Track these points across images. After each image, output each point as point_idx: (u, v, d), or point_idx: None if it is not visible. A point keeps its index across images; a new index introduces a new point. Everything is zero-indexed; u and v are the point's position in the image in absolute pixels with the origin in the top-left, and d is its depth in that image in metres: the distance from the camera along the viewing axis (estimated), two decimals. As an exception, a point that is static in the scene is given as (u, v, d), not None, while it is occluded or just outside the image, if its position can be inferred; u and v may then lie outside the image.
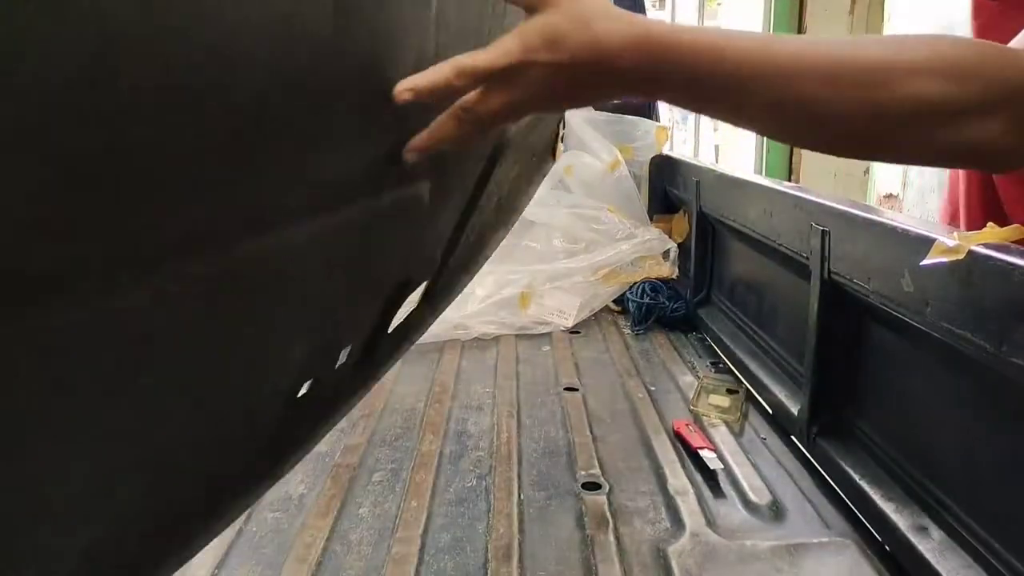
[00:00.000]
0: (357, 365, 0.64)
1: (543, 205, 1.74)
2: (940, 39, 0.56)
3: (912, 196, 2.50)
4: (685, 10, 6.02)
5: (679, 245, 1.82)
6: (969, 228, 0.96)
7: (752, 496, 0.90)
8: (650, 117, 2.11)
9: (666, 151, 2.09)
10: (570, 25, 0.50)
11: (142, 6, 0.25)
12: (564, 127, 1.65)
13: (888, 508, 0.79)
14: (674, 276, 1.72)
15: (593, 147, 1.93)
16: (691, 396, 1.21)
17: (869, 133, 0.55)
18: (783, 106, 0.53)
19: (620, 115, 2.00)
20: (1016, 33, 0.74)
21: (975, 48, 0.59)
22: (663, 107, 2.28)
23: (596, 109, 1.92)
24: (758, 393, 1.20)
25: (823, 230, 0.92)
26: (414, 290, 0.73)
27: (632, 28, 0.51)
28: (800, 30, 3.33)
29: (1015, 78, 0.53)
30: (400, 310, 0.70)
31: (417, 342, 1.53)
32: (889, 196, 2.73)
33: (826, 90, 0.52)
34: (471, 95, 0.50)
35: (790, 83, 0.52)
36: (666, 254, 1.77)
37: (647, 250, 1.74)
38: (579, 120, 1.95)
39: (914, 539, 0.74)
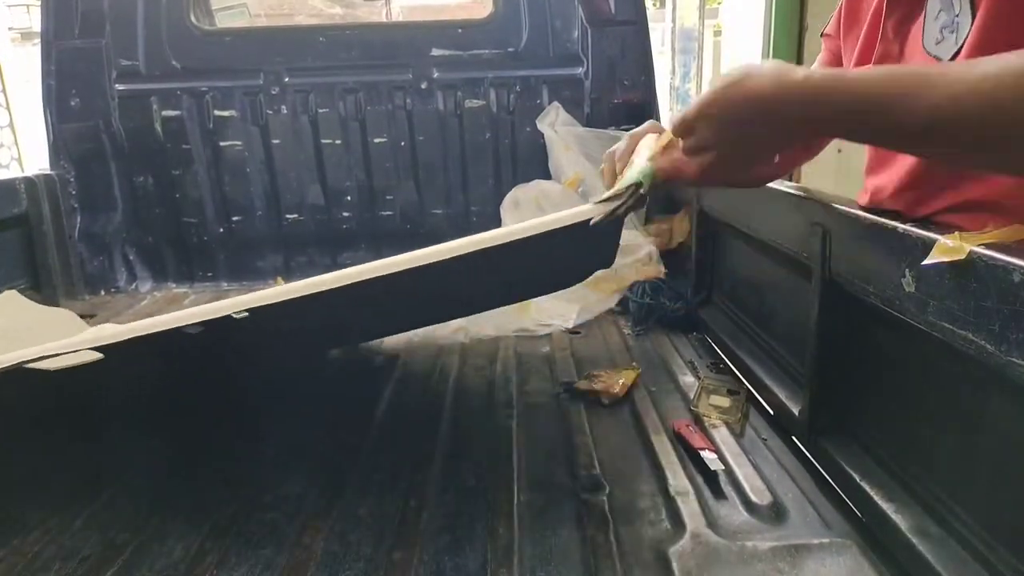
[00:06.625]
0: None
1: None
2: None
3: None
4: (685, 9, 6.02)
5: (679, 245, 1.82)
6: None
7: (753, 497, 0.90)
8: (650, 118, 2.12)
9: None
10: (723, 88, 0.68)
11: None
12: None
13: (889, 508, 0.79)
14: (661, 275, 1.72)
15: (562, 165, 2.03)
16: (692, 396, 1.21)
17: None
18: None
19: (602, 130, 2.08)
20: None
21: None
22: (663, 107, 2.29)
23: None
24: (759, 393, 1.20)
25: (824, 230, 0.91)
26: None
27: (776, 76, 0.65)
28: (800, 29, 3.31)
29: None
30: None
31: (417, 342, 1.56)
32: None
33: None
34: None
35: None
36: (649, 255, 1.77)
37: (627, 253, 1.75)
38: (558, 141, 2.04)
39: (915, 539, 0.73)
